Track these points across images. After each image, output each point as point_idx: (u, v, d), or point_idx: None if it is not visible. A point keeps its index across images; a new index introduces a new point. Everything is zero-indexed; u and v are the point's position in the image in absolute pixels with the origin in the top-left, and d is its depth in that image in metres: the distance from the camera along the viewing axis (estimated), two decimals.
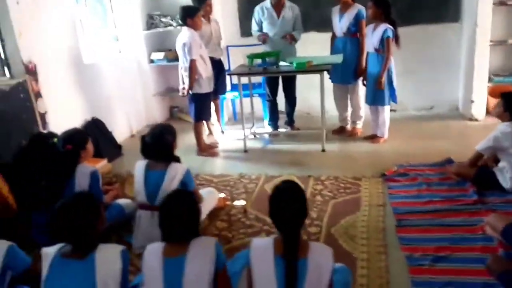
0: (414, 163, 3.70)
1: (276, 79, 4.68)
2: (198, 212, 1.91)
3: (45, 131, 3.43)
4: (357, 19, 4.31)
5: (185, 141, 4.85)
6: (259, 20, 4.57)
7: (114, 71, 4.94)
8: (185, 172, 2.74)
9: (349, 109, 4.76)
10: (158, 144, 2.76)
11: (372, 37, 4.16)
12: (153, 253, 1.79)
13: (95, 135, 4.21)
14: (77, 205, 1.76)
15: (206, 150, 4.47)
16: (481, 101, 4.67)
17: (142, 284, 1.88)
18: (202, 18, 4.26)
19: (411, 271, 2.31)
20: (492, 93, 4.65)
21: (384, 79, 4.14)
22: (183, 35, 4.06)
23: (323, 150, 4.27)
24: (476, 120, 4.72)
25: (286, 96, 4.79)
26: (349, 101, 4.70)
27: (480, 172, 3.12)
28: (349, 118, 4.79)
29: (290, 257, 1.67)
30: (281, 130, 4.88)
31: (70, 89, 4.21)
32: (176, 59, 5.38)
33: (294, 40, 4.47)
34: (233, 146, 4.67)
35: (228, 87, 5.11)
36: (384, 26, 4.02)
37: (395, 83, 4.20)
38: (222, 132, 5.02)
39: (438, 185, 3.26)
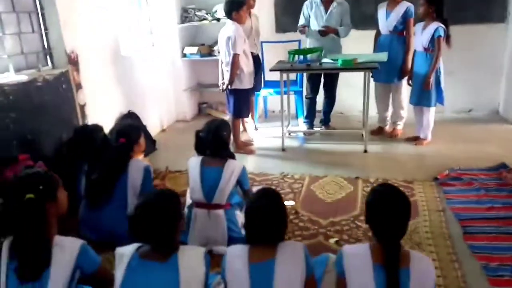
0: (465, 167, 3.55)
1: (319, 76, 4.54)
2: (286, 213, 1.77)
3: (88, 124, 3.31)
4: (405, 17, 4.16)
5: None
6: (307, 14, 4.43)
7: (148, 64, 4.83)
8: (242, 170, 2.61)
9: (390, 109, 4.62)
10: (215, 140, 2.64)
11: (421, 36, 4.00)
12: (238, 257, 1.66)
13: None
14: (160, 204, 1.63)
15: (242, 147, 4.34)
16: None
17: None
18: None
19: (491, 282, 2.17)
20: None
21: (432, 79, 3.98)
22: (228, 29, 3.93)
23: (365, 151, 4.12)
24: None
25: (326, 95, 4.65)
26: (390, 100, 4.55)
27: None
28: (388, 119, 4.64)
29: (392, 267, 1.54)
30: (317, 129, 4.74)
31: (108, 81, 4.10)
32: (209, 54, 5.35)
33: (336, 34, 4.31)
34: (268, 144, 4.53)
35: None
36: (435, 25, 3.86)
37: (443, 84, 4.05)
38: (256, 129, 4.89)
39: (497, 190, 3.11)
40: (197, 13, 5.25)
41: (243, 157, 4.19)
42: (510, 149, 3.99)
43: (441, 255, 2.44)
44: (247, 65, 4.05)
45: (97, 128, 3.09)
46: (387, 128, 4.65)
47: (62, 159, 3.06)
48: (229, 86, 4.07)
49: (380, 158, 3.99)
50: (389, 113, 4.63)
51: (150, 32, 5.10)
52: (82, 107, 3.67)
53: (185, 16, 5.29)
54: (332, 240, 2.63)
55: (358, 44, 4.59)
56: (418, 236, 2.64)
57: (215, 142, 2.64)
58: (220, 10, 5.09)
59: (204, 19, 5.24)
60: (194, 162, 2.65)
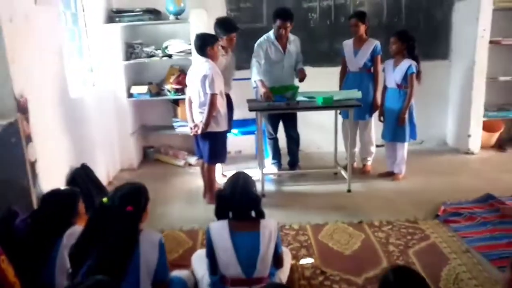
0: (455, 201, 3.55)
1: (278, 115, 4.29)
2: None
3: (60, 188, 2.57)
4: (373, 54, 4.16)
5: (178, 186, 4.21)
6: (264, 51, 4.14)
7: (94, 107, 4.14)
8: (277, 228, 2.20)
9: (358, 146, 4.55)
10: (246, 198, 2.19)
11: (393, 73, 4.01)
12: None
13: (87, 187, 3.41)
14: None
15: None
16: (477, 135, 4.78)
17: None
18: (222, 50, 3.76)
19: None
20: (485, 127, 4.81)
21: (406, 115, 4.00)
22: (202, 66, 3.50)
23: (349, 191, 3.94)
24: (473, 153, 4.82)
25: (290, 134, 4.41)
26: (358, 137, 4.49)
27: None
28: (357, 155, 4.56)
29: None
30: (298, 171, 4.45)
31: (59, 130, 3.36)
32: (157, 93, 4.82)
33: (304, 76, 4.13)
34: None
35: None
36: (408, 62, 3.91)
37: (415, 120, 4.09)
38: (223, 175, 4.43)
39: (502, 224, 3.11)
40: (144, 49, 4.71)
41: None
42: (479, 177, 4.16)
43: None
44: (222, 106, 3.65)
45: (73, 194, 2.43)
46: (355, 164, 4.56)
47: (24, 235, 2.31)
48: (203, 130, 3.60)
49: (367, 197, 3.83)
50: (357, 149, 4.57)
51: (90, 70, 4.41)
52: (33, 164, 2.90)
53: (130, 52, 4.71)
54: None
55: (313, 80, 4.38)
56: (463, 283, 2.46)
57: (245, 201, 2.19)
58: (172, 45, 4.64)
59: (153, 55, 4.71)
60: (218, 229, 2.16)
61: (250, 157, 5.00)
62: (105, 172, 4.33)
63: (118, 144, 4.72)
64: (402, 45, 3.91)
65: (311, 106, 3.86)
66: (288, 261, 2.52)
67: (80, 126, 3.77)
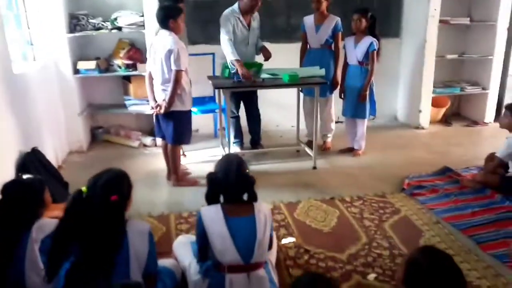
0: (416, 174, 3.69)
1: (240, 93, 4.15)
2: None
3: (22, 176, 2.24)
4: (334, 31, 4.13)
5: (135, 169, 3.95)
6: (230, 27, 3.95)
7: (35, 84, 3.70)
8: (269, 211, 2.12)
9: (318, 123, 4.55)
10: (240, 181, 2.06)
11: (355, 50, 4.02)
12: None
13: (39, 173, 3.06)
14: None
15: (183, 178, 3.68)
16: (427, 111, 5.00)
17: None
18: None
19: None
20: (433, 103, 5.04)
21: (367, 92, 4.05)
22: (166, 40, 3.24)
23: (315, 168, 3.94)
24: (423, 128, 5.04)
25: (252, 112, 4.30)
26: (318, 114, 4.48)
27: (506, 179, 3.24)
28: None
29: None
30: (264, 149, 4.35)
31: (2, 110, 2.96)
32: (106, 69, 4.46)
33: (269, 55, 4.00)
34: (205, 170, 3.95)
35: None
36: (369, 39, 3.93)
37: (375, 96, 4.16)
38: (184, 155, 4.23)
39: (463, 194, 3.28)
40: (91, 20, 4.29)
41: (183, 191, 3.55)
42: (432, 151, 4.36)
43: (481, 271, 2.39)
44: (187, 83, 3.43)
45: (38, 182, 2.16)
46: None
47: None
48: (168, 109, 3.37)
49: (332, 173, 3.86)
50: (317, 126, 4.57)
51: (29, 43, 3.94)
52: None
53: (74, 24, 4.26)
54: (371, 277, 2.34)
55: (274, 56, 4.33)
56: None
57: (239, 184, 2.06)
58: (122, 17, 4.28)
59: (100, 28, 4.31)
60: (211, 214, 2.02)
61: (208, 136, 4.82)
62: (53, 155, 3.93)
63: (65, 124, 4.32)
64: (366, 23, 3.91)
65: (277, 84, 3.76)
66: (275, 242, 2.44)
67: (25, 106, 3.36)
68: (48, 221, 2.07)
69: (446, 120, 5.22)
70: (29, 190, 2.09)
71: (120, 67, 4.42)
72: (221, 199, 2.11)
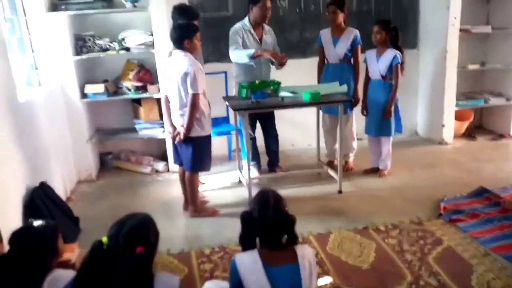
0: (451, 197, 3.41)
1: (257, 113, 3.89)
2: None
3: (33, 223, 1.96)
4: (353, 44, 3.89)
5: (149, 197, 3.73)
6: (240, 41, 3.71)
7: (41, 111, 3.45)
8: (314, 256, 1.85)
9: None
10: (279, 222, 1.80)
11: (377, 64, 3.77)
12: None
13: (49, 210, 2.80)
14: None
15: (202, 209, 3.40)
16: (450, 125, 4.73)
17: None
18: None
19: None
20: (456, 116, 4.77)
21: (392, 107, 3.79)
22: (182, 62, 3.00)
23: (340, 192, 3.67)
24: (447, 143, 4.76)
25: (269, 133, 4.04)
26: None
27: None
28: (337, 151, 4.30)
29: None
30: (281, 172, 4.07)
31: (7, 141, 2.71)
32: (115, 92, 4.22)
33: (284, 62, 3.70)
34: (222, 198, 3.70)
35: None
36: (392, 52, 3.69)
37: (400, 112, 3.90)
38: (202, 182, 3.95)
39: (508, 219, 3.00)
40: (97, 41, 4.06)
41: (202, 223, 3.28)
42: (461, 168, 4.10)
43: None
44: (206, 106, 3.18)
45: (51, 229, 1.89)
46: (336, 162, 4.29)
47: None
48: (187, 134, 3.11)
49: (360, 197, 3.58)
50: (337, 145, 4.31)
51: (34, 67, 3.71)
52: None
53: (81, 45, 4.03)
54: None
55: (284, 73, 4.02)
56: None
57: (279, 225, 1.79)
58: (130, 37, 4.04)
59: (108, 49, 4.07)
60: (249, 263, 1.75)
61: (222, 159, 4.55)
62: (62, 186, 3.67)
63: (73, 152, 4.07)
64: (387, 35, 3.68)
65: (297, 103, 3.50)
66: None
67: (31, 136, 3.11)
68: (62, 273, 1.80)
69: (469, 134, 4.95)
70: (41, 239, 1.82)
71: (129, 89, 4.18)
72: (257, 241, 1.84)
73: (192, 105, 3.00)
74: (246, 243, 1.84)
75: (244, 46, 3.69)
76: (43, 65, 3.74)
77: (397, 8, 4.73)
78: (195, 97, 2.99)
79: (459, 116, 4.80)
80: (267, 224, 1.78)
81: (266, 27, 3.81)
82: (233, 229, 3.08)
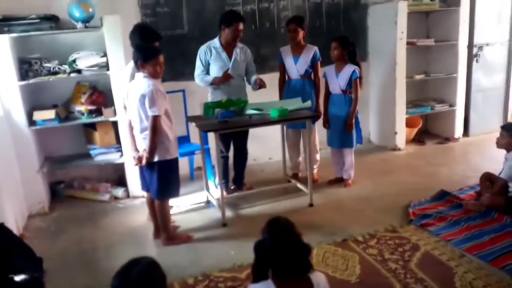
0: (416, 202, 3.56)
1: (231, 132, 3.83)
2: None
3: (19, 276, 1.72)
4: (313, 60, 3.98)
5: (112, 227, 3.54)
6: (205, 62, 3.72)
7: None
8: (327, 282, 1.82)
9: (302, 154, 4.35)
10: (296, 252, 1.75)
11: (337, 79, 3.88)
12: None
13: (12, 254, 2.52)
14: None
15: (176, 236, 3.25)
16: (402, 132, 4.97)
17: None
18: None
19: None
20: (407, 123, 5.03)
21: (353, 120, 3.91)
22: (141, 84, 2.87)
23: (311, 205, 3.69)
24: (400, 149, 4.99)
25: (238, 151, 3.99)
26: (301, 145, 4.29)
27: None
28: (302, 164, 4.36)
29: None
30: (263, 188, 3.97)
31: None
32: (66, 117, 3.95)
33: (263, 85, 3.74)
34: (194, 221, 3.57)
35: None
36: (351, 67, 3.81)
37: (360, 124, 4.02)
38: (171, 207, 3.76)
39: (472, 220, 3.18)
40: (45, 64, 3.78)
41: (177, 251, 3.12)
42: (418, 173, 4.30)
43: None
44: (170, 128, 3.04)
45: (35, 282, 1.70)
46: (300, 174, 4.35)
47: None
48: (150, 159, 2.96)
49: (332, 209, 3.62)
50: (301, 158, 4.37)
51: None
52: None
53: (26, 69, 3.73)
54: None
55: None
56: None
57: (294, 254, 1.74)
58: (82, 59, 3.83)
59: (57, 72, 3.81)
60: None
61: (184, 179, 4.33)
62: (13, 223, 3.33)
63: (23, 184, 3.73)
64: (344, 51, 3.79)
65: (267, 121, 3.48)
66: None
67: None
68: None
69: (419, 139, 5.23)
70: None
71: (82, 113, 3.92)
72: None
73: (153, 127, 2.86)
74: (259, 273, 1.77)
75: (214, 65, 3.70)
76: None
77: (347, 23, 4.92)
78: (155, 119, 2.85)
79: (409, 123, 5.06)
80: (282, 253, 1.72)
81: (240, 45, 3.77)
82: (212, 254, 3.01)
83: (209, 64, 3.72)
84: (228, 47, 3.70)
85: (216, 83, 3.66)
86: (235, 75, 3.72)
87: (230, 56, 3.71)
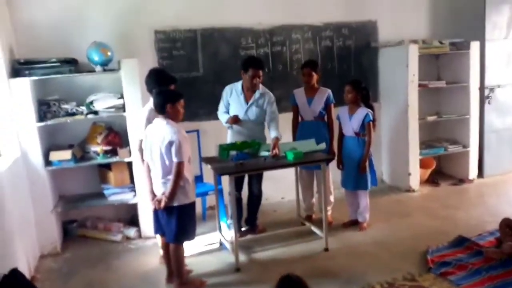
0: (434, 248, 3.46)
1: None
2: None
3: None
4: (327, 102, 4.00)
5: (124, 270, 3.48)
6: (226, 101, 3.81)
7: (5, 185, 3.12)
8: None
9: (315, 195, 4.30)
10: None
11: (350, 121, 3.88)
12: None
13: None
14: None
15: (189, 281, 3.17)
16: (416, 173, 4.91)
17: None
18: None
19: None
20: (421, 164, 4.97)
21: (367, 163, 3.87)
22: (165, 130, 2.88)
23: (326, 250, 3.60)
24: (414, 191, 4.91)
25: (254, 192, 3.95)
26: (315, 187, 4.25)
27: None
28: (315, 205, 4.30)
29: None
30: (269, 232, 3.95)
31: None
32: (82, 157, 3.96)
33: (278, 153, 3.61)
34: (206, 265, 3.49)
35: None
36: (364, 110, 3.82)
37: (374, 166, 3.98)
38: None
39: (493, 269, 3.07)
40: (63, 106, 3.83)
41: None
42: (434, 216, 4.20)
43: None
44: (190, 173, 3.04)
45: None
46: (314, 215, 4.29)
47: None
48: (169, 203, 2.94)
49: (347, 255, 3.53)
50: (315, 199, 4.31)
51: None
52: None
53: (44, 111, 3.78)
54: None
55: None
56: None
57: None
58: (99, 100, 3.88)
59: (74, 113, 3.86)
60: None
61: (197, 219, 4.33)
62: (25, 264, 3.29)
63: (36, 224, 3.71)
64: (358, 95, 3.81)
65: (282, 164, 3.46)
66: None
67: None
68: None
69: (433, 180, 5.15)
70: None
71: (98, 154, 3.94)
72: None
73: (177, 173, 2.86)
74: None
75: (232, 105, 3.79)
76: (3, 133, 3.45)
77: (358, 66, 4.98)
78: (180, 165, 2.86)
79: (422, 164, 5.00)
80: None
81: (262, 90, 3.78)
82: None
83: (228, 103, 3.79)
84: (248, 91, 3.73)
85: (229, 123, 3.76)
86: (251, 119, 3.74)
87: (248, 100, 3.74)
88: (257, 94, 3.75)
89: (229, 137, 3.85)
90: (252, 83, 3.66)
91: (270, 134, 3.73)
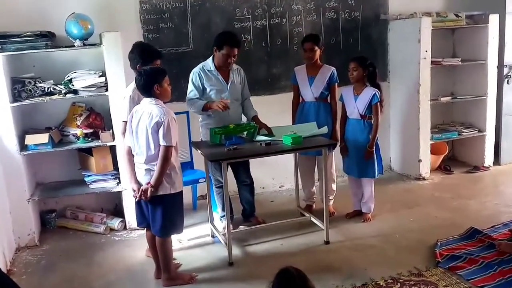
0: (443, 241, 3.54)
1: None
2: None
3: None
4: (330, 82, 4.01)
5: (109, 264, 3.53)
6: (199, 88, 3.72)
7: None
8: None
9: (316, 183, 4.36)
10: None
11: (356, 103, 3.90)
12: None
13: None
14: None
15: (178, 277, 3.24)
16: (426, 160, 4.96)
17: None
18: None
19: None
20: (432, 150, 5.03)
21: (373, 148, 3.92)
22: (152, 110, 2.91)
23: (327, 242, 3.68)
24: (424, 179, 4.98)
25: (240, 180, 3.99)
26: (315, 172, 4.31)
27: None
28: (315, 194, 4.36)
29: None
30: (270, 223, 3.95)
31: None
32: (60, 141, 3.99)
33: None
34: (197, 259, 3.56)
35: None
36: (371, 90, 3.84)
37: (381, 152, 4.03)
38: (179, 241, 3.79)
39: (506, 263, 3.15)
40: (39, 84, 3.84)
41: None
42: (445, 206, 4.28)
43: None
44: (176, 160, 3.07)
45: None
46: (315, 206, 4.35)
47: None
48: (155, 192, 2.98)
49: (350, 248, 3.60)
50: (315, 188, 4.37)
51: None
52: None
53: (19, 90, 3.80)
54: None
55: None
56: None
57: None
58: (78, 78, 3.89)
59: (52, 92, 3.87)
60: None
61: (187, 209, 4.38)
62: (1, 257, 3.36)
63: (12, 214, 3.77)
64: (364, 72, 3.82)
65: (280, 149, 3.49)
66: None
67: None
68: None
69: (445, 167, 5.22)
70: None
71: (78, 137, 3.97)
72: None
73: (164, 158, 2.89)
74: None
75: (210, 88, 3.72)
76: None
77: (366, 41, 4.98)
78: (167, 149, 2.89)
79: (434, 150, 5.06)
80: None
81: (234, 66, 3.81)
82: None
83: (203, 88, 3.73)
84: (225, 70, 3.72)
85: (208, 108, 3.60)
86: (232, 100, 3.73)
87: (226, 79, 3.74)
88: (233, 71, 3.76)
89: (203, 123, 3.83)
90: (226, 63, 3.62)
91: (249, 113, 3.76)
